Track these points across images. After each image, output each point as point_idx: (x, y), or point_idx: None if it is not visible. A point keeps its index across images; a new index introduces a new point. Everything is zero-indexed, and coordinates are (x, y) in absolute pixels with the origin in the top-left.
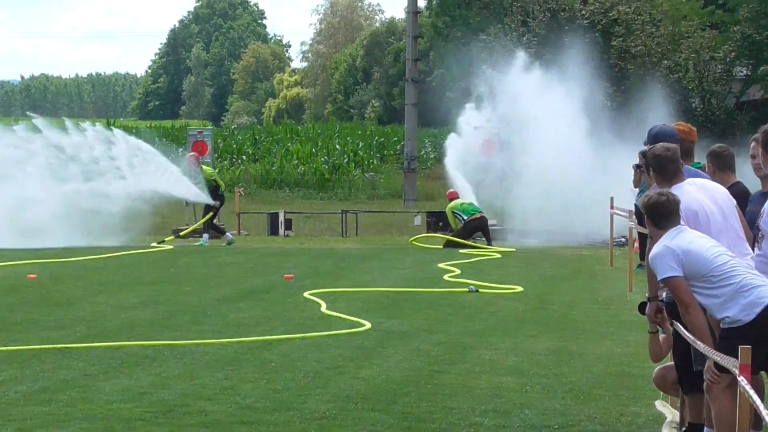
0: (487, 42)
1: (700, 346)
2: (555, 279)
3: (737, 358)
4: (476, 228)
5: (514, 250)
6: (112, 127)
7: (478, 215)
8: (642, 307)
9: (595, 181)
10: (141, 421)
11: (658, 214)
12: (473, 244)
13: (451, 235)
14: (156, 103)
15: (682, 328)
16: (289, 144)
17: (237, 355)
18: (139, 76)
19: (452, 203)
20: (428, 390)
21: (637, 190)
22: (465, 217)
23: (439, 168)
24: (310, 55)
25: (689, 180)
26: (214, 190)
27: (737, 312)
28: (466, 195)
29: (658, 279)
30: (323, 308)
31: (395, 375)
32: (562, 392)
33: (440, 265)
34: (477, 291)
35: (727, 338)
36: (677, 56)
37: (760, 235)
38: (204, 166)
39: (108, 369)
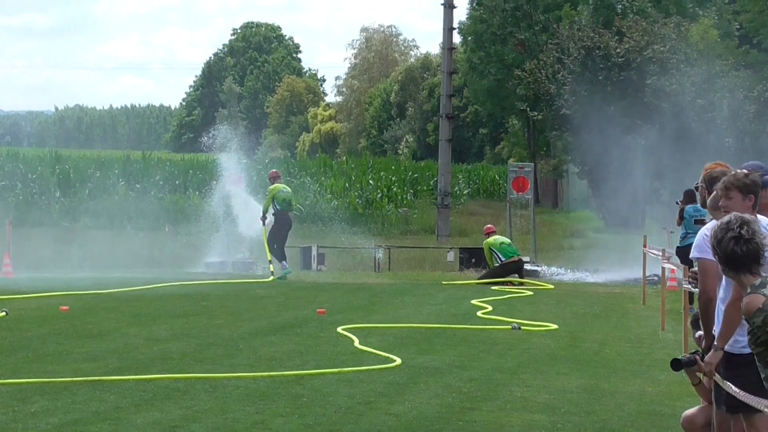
0: (522, 78)
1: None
2: (587, 316)
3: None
4: (512, 270)
5: (552, 287)
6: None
7: (515, 258)
8: (675, 365)
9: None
10: None
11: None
12: (510, 279)
13: (485, 275)
14: (190, 135)
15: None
16: (323, 178)
17: (269, 390)
18: (173, 108)
19: (490, 239)
20: (459, 426)
21: (679, 228)
22: (503, 259)
23: (473, 204)
24: (344, 89)
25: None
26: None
27: None
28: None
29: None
30: (356, 343)
31: (427, 411)
32: (594, 430)
33: (473, 301)
34: (519, 329)
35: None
36: (712, 95)
37: None
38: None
39: (139, 402)
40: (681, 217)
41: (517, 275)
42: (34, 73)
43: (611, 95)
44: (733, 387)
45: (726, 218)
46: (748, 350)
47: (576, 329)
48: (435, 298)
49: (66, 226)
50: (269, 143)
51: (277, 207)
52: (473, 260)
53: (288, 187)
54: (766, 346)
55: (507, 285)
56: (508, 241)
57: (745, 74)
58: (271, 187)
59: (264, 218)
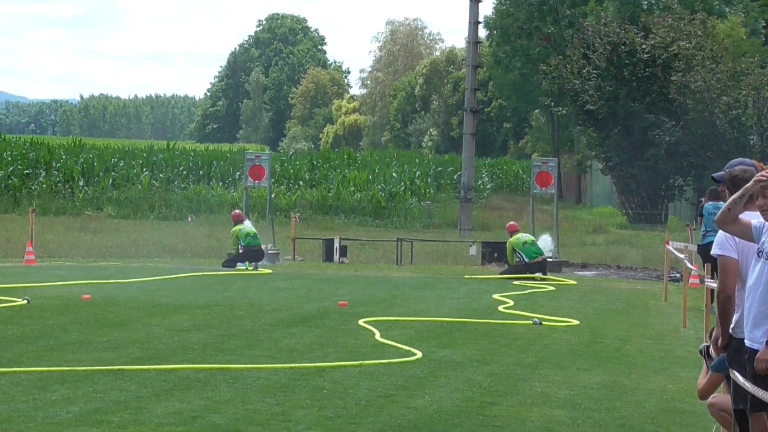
0: (547, 73)
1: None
2: (609, 313)
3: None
4: (536, 270)
5: (574, 283)
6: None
7: (539, 259)
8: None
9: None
10: None
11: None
12: (532, 276)
13: (507, 270)
14: (214, 126)
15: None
16: (347, 170)
17: (289, 381)
18: (197, 98)
19: (514, 239)
20: (479, 421)
21: (701, 225)
22: (526, 260)
23: (496, 198)
24: (369, 82)
25: None
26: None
27: None
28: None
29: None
30: (377, 336)
31: (447, 405)
32: (614, 427)
33: (495, 296)
34: (541, 324)
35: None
36: (737, 93)
37: None
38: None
39: (160, 392)
40: (700, 215)
41: (541, 274)
42: (58, 62)
43: (636, 91)
44: (740, 379)
45: None
46: None
47: (597, 325)
48: (457, 292)
49: (89, 215)
50: (293, 135)
51: (242, 244)
52: (495, 255)
53: (250, 224)
54: None
55: (529, 280)
56: (532, 239)
57: None
58: (233, 229)
59: (234, 261)
